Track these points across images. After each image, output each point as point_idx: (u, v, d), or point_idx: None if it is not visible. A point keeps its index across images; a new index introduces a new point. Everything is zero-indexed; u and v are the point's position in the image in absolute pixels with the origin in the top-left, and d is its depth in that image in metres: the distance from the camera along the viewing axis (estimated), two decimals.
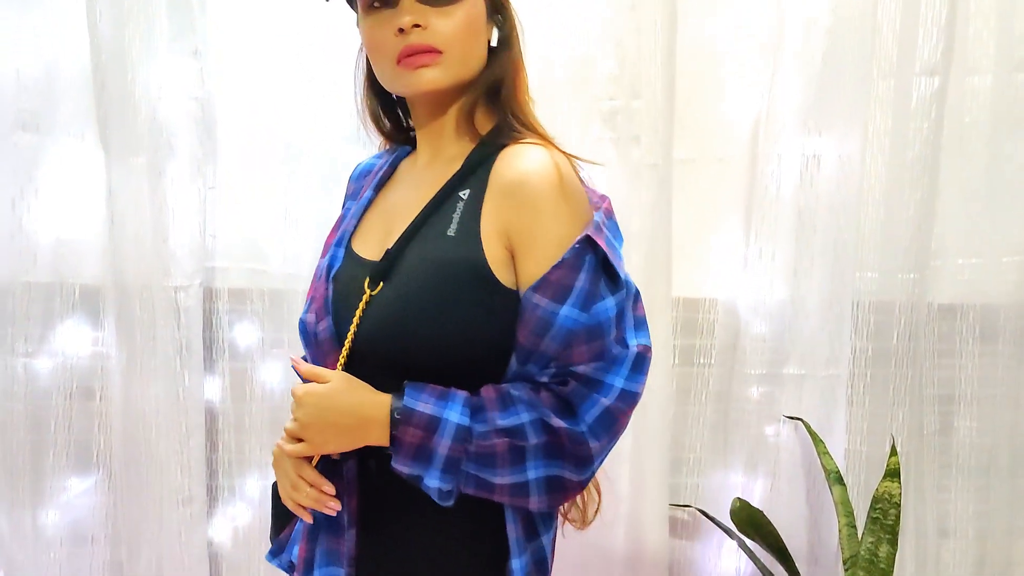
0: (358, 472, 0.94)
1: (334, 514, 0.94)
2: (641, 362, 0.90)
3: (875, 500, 1.45)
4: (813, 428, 1.64)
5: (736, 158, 1.68)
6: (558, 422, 0.85)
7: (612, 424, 0.87)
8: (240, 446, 1.67)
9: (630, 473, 1.68)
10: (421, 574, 0.94)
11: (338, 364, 0.94)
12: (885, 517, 1.44)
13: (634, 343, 0.90)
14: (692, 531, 1.81)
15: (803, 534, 1.75)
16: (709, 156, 1.69)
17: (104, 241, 1.53)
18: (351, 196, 1.13)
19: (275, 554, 1.07)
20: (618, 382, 0.87)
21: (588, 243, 0.88)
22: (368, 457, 0.93)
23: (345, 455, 0.94)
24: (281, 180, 1.60)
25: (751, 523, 1.40)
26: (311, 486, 0.93)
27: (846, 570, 1.56)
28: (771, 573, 1.60)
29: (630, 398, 0.88)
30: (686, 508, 1.77)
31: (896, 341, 1.70)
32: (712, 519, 1.67)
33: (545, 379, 0.88)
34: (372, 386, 0.92)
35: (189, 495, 1.56)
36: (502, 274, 0.90)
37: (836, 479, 1.59)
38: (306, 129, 1.60)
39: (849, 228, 1.62)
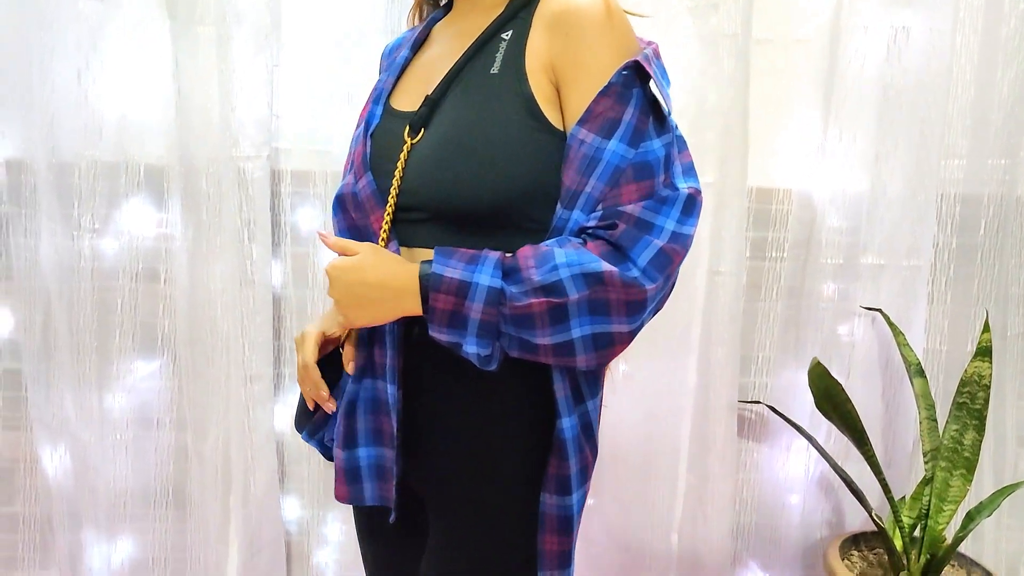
0: (403, 333, 0.92)
1: (331, 412, 0.98)
2: (692, 204, 0.85)
3: (962, 383, 1.38)
4: (892, 320, 1.57)
5: (816, 37, 1.59)
6: (608, 267, 0.80)
7: (667, 265, 0.83)
8: None
9: (697, 364, 1.63)
10: (466, 436, 0.92)
11: (384, 221, 0.91)
12: (972, 401, 1.37)
13: (683, 185, 0.85)
14: (760, 432, 1.76)
15: (877, 434, 1.69)
16: (787, 37, 1.61)
17: (170, 117, 1.50)
18: (384, 71, 1.09)
19: (311, 434, 1.06)
20: (669, 224, 0.83)
21: (637, 73, 0.83)
22: (412, 324, 0.90)
23: None
24: (343, 62, 1.57)
25: (827, 396, 1.33)
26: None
27: (926, 463, 1.50)
28: (843, 471, 1.54)
29: (682, 240, 0.84)
30: (755, 405, 1.72)
31: (983, 234, 1.62)
32: (782, 416, 1.61)
33: (592, 224, 0.83)
34: (419, 243, 0.89)
35: (256, 373, 1.55)
36: (549, 112, 0.86)
37: (917, 371, 1.52)
38: (369, 8, 1.56)
39: (936, 108, 1.54)
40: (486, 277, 0.83)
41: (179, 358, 1.63)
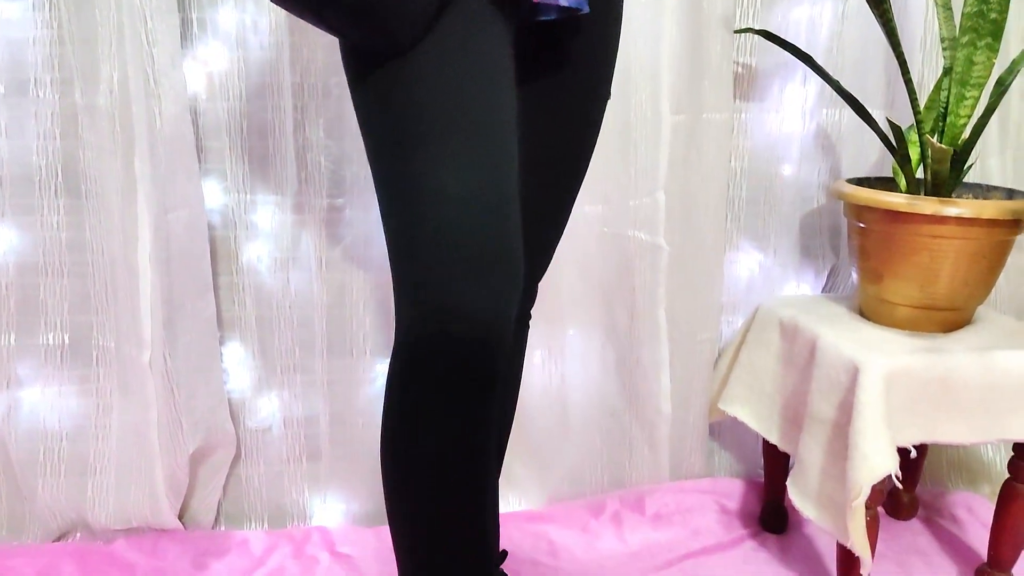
0: None
1: None
2: None
3: None
4: None
5: None
6: None
7: None
8: None
9: None
10: None
11: None
12: None
13: None
14: (749, 89, 1.56)
15: (880, 71, 1.52)
16: None
17: None
18: None
19: None
20: None
21: None
22: None
23: None
24: None
25: None
26: None
27: (944, 53, 1.32)
28: (845, 90, 1.35)
29: None
30: (747, 33, 1.51)
31: None
32: (777, 40, 1.41)
33: None
34: None
35: None
36: None
37: None
38: None
39: None
40: None
41: None
